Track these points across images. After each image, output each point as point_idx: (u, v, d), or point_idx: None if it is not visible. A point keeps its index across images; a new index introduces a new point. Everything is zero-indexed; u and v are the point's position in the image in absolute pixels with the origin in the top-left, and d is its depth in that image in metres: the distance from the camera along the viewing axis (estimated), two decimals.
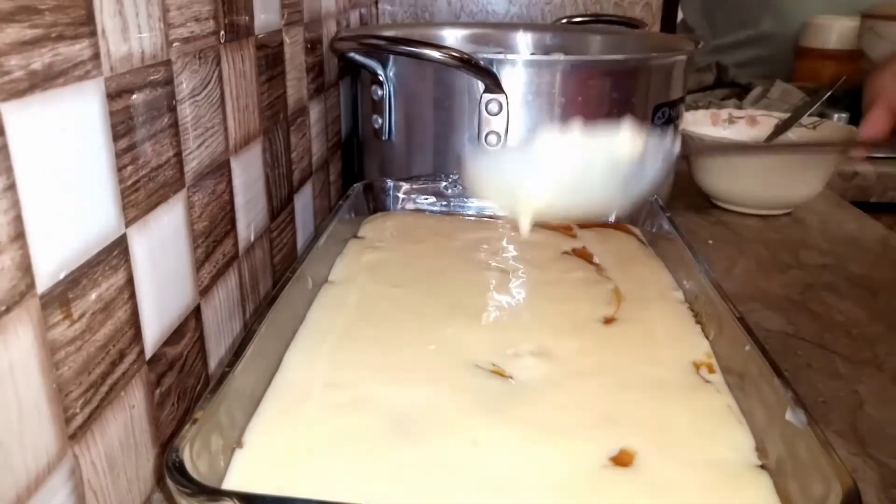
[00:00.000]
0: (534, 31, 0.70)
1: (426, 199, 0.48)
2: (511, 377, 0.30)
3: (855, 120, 0.84)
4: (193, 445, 0.22)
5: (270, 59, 0.41)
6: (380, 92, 0.52)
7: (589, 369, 0.30)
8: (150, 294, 0.27)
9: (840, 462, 0.21)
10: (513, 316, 0.35)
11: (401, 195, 0.48)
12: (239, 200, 0.37)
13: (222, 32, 0.33)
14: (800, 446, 0.23)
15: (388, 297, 0.36)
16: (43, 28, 0.20)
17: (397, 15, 0.87)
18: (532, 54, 0.68)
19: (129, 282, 0.26)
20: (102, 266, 0.24)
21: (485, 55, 0.47)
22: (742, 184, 0.60)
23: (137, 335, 0.27)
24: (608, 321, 0.34)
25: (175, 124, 0.29)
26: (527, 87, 0.48)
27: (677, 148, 0.38)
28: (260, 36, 0.39)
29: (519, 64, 0.48)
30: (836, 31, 1.01)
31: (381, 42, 0.49)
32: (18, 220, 0.20)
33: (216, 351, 0.35)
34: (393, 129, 0.53)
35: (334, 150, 0.58)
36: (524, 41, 0.69)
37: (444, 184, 0.48)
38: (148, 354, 0.28)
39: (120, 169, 0.25)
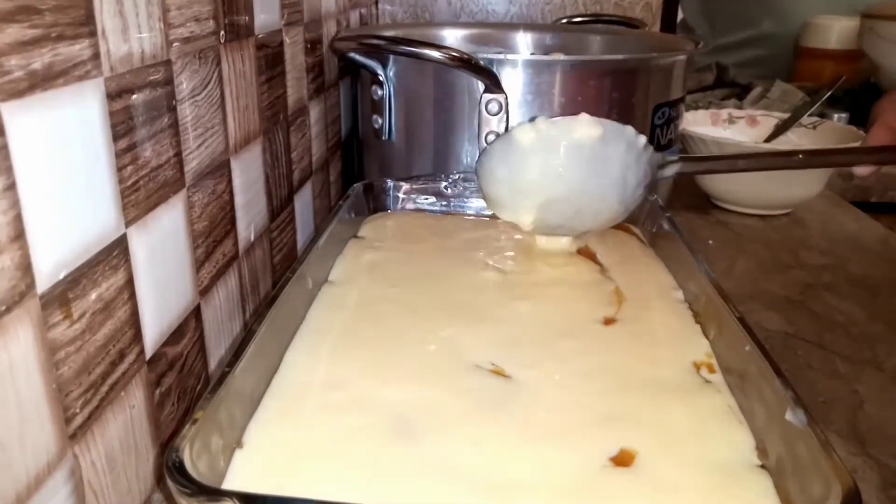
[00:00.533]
0: (534, 31, 0.70)
1: (426, 199, 0.48)
2: (511, 377, 0.30)
3: (854, 120, 0.84)
4: (193, 445, 0.22)
5: (270, 59, 0.41)
6: (380, 92, 0.52)
7: (589, 369, 0.30)
8: (151, 294, 0.27)
9: (840, 462, 0.21)
10: (513, 316, 0.35)
11: (401, 195, 0.48)
12: (239, 200, 0.37)
13: (222, 32, 0.33)
14: (800, 446, 0.23)
15: (387, 296, 0.36)
16: (43, 28, 0.20)
17: (397, 15, 0.87)
18: (532, 54, 0.68)
19: (130, 282, 0.26)
20: (102, 266, 0.24)
21: (485, 55, 0.47)
22: (742, 184, 0.60)
23: (137, 335, 0.27)
24: (608, 322, 0.34)
25: (175, 124, 0.29)
26: (527, 87, 0.48)
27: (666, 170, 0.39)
28: (260, 36, 0.39)
29: (519, 64, 0.48)
30: (836, 32, 1.01)
31: (381, 42, 0.49)
32: (18, 219, 0.20)
33: (216, 351, 0.35)
34: (393, 129, 0.53)
35: (334, 150, 0.58)
36: (524, 41, 0.69)
37: (444, 184, 0.48)
38: (148, 354, 0.28)
39: (120, 169, 0.25)
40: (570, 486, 0.24)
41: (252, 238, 0.39)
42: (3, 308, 0.19)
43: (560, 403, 0.28)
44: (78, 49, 0.22)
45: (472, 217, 0.48)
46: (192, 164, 0.31)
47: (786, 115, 0.68)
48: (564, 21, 0.77)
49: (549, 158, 0.39)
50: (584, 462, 0.25)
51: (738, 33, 1.13)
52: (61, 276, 0.22)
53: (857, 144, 0.58)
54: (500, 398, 0.28)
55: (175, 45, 0.29)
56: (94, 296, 0.24)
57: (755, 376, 0.27)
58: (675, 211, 0.45)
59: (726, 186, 0.62)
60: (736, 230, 0.59)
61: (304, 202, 0.50)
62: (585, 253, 0.42)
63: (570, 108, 0.49)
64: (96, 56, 0.23)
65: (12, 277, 0.20)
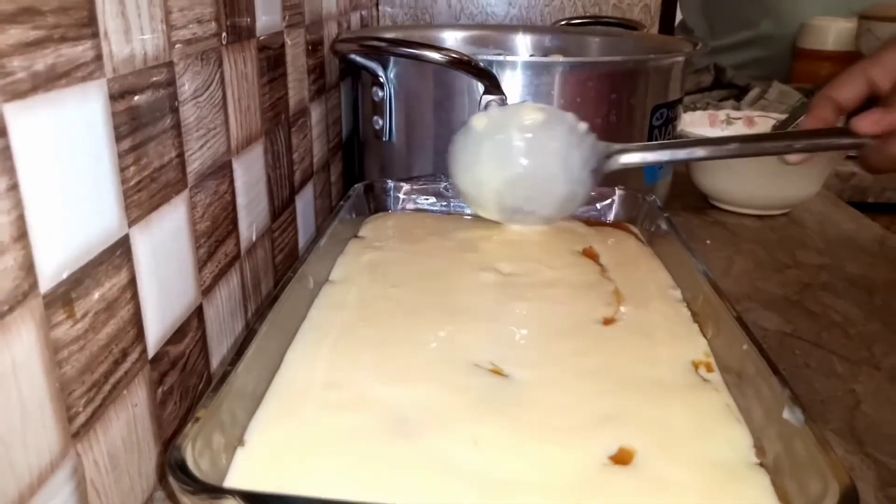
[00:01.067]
0: (533, 32, 0.70)
1: (426, 199, 0.49)
2: (510, 376, 0.30)
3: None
4: (195, 444, 0.22)
5: (272, 60, 0.41)
6: (380, 93, 0.52)
7: (588, 368, 0.30)
8: (153, 294, 0.28)
9: (837, 460, 0.22)
10: (512, 315, 0.36)
11: (401, 195, 0.49)
12: (241, 201, 0.37)
13: (224, 34, 0.34)
14: (797, 445, 0.23)
15: (388, 296, 0.36)
16: (45, 29, 0.20)
17: (398, 17, 0.88)
18: (531, 56, 0.68)
19: (132, 281, 0.26)
20: (105, 266, 0.24)
21: (484, 57, 0.47)
22: (739, 184, 0.61)
23: (140, 334, 0.27)
24: (607, 322, 0.35)
25: (177, 125, 0.29)
26: (526, 89, 0.48)
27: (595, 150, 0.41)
28: (261, 38, 0.39)
29: (518, 66, 0.49)
30: (833, 33, 1.01)
31: (382, 44, 0.49)
32: (21, 220, 0.20)
33: (218, 350, 0.35)
34: (393, 130, 0.53)
35: (335, 150, 0.58)
36: (523, 43, 0.70)
37: (445, 184, 0.48)
38: (150, 353, 0.28)
39: (122, 170, 0.25)
40: (569, 484, 0.24)
41: (254, 238, 0.39)
42: (7, 308, 0.19)
43: (559, 402, 0.28)
44: (80, 50, 0.22)
45: (472, 217, 0.48)
46: (194, 165, 0.31)
47: (783, 116, 0.68)
48: (563, 23, 0.77)
49: (498, 141, 0.42)
50: (584, 461, 0.25)
51: (737, 34, 1.13)
52: (64, 276, 0.22)
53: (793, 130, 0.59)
54: (500, 397, 0.28)
55: (177, 46, 0.29)
56: (96, 295, 0.24)
57: (753, 375, 0.28)
58: (673, 211, 0.45)
59: (724, 187, 0.62)
60: (733, 230, 0.59)
61: (305, 202, 0.50)
62: (589, 254, 0.42)
63: (569, 110, 0.49)
64: (99, 57, 0.23)
65: (15, 277, 0.20)
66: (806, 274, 0.51)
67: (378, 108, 0.53)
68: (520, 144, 0.42)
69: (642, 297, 0.37)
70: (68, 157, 0.22)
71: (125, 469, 0.26)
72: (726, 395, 0.29)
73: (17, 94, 0.19)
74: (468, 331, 0.33)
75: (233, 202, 0.36)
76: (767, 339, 0.41)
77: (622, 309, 0.36)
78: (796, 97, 0.87)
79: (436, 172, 0.50)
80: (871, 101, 0.43)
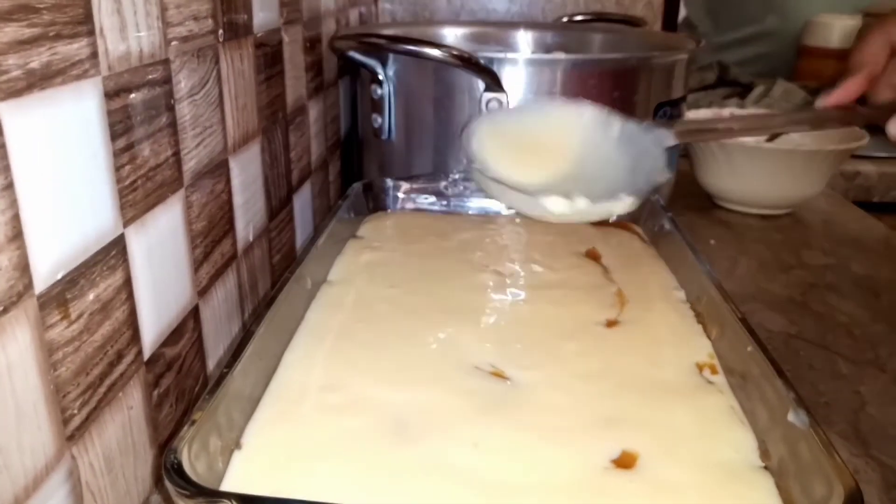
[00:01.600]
0: (534, 29, 0.69)
1: (426, 198, 0.48)
2: (510, 379, 0.29)
3: None
4: (192, 447, 0.22)
5: (269, 57, 0.41)
6: (379, 91, 0.51)
7: (590, 371, 0.30)
8: (149, 294, 0.27)
9: (842, 463, 0.21)
10: (513, 317, 0.35)
11: (400, 195, 0.48)
12: (237, 200, 0.37)
13: (221, 31, 0.33)
14: (802, 447, 0.23)
15: (386, 297, 0.36)
16: (41, 27, 0.20)
17: (397, 13, 0.87)
18: (532, 53, 0.68)
19: (127, 282, 0.26)
20: (100, 266, 0.24)
21: (485, 54, 0.47)
22: (744, 183, 0.60)
23: (135, 336, 0.27)
24: (611, 324, 0.34)
25: (173, 123, 0.29)
26: (527, 86, 0.48)
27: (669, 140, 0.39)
28: (259, 34, 0.39)
29: (519, 63, 0.48)
30: (838, 30, 1.01)
31: (381, 41, 0.49)
32: (16, 219, 0.20)
33: (214, 351, 0.35)
34: (392, 128, 0.52)
35: (333, 149, 0.58)
36: (524, 40, 0.69)
37: (444, 183, 0.48)
38: (146, 355, 0.27)
39: (118, 168, 0.25)
40: (571, 488, 0.23)
41: (251, 238, 0.39)
42: (1, 308, 0.19)
43: (561, 405, 0.28)
44: (76, 48, 0.22)
45: (472, 217, 0.48)
46: (190, 164, 0.31)
47: None
48: (565, 20, 0.77)
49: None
50: (586, 464, 0.24)
51: (741, 30, 1.13)
52: (59, 277, 0.22)
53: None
54: (500, 400, 0.28)
55: (173, 43, 0.28)
56: (91, 296, 0.23)
57: (757, 377, 0.27)
58: (676, 211, 0.44)
59: (728, 186, 0.61)
60: (738, 230, 0.59)
61: (303, 202, 0.49)
62: (592, 255, 0.42)
63: None
64: (94, 55, 0.23)
65: (10, 278, 0.19)
66: (811, 274, 0.51)
67: (377, 105, 0.52)
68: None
69: (645, 298, 0.37)
70: (63, 156, 0.22)
71: (121, 472, 0.26)
72: (730, 397, 0.28)
73: (12, 92, 0.19)
74: (468, 332, 0.33)
75: (229, 201, 0.36)
76: (772, 340, 0.41)
77: (625, 311, 0.35)
78: (801, 95, 0.87)
79: (435, 171, 0.50)
80: None
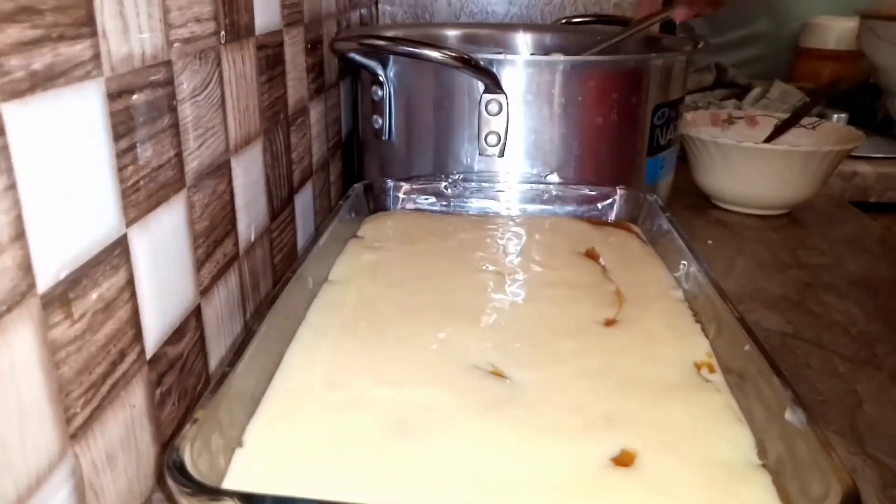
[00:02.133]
0: (533, 31, 0.70)
1: (426, 199, 0.49)
2: (510, 378, 0.30)
3: (854, 120, 0.84)
4: (194, 445, 0.22)
5: (271, 59, 0.41)
6: (380, 92, 0.52)
7: (589, 370, 0.30)
8: (151, 294, 0.28)
9: (839, 461, 0.21)
10: (513, 317, 0.36)
11: (401, 195, 0.48)
12: (239, 200, 0.37)
13: (223, 33, 0.33)
14: (799, 445, 0.23)
15: (387, 297, 0.36)
16: (44, 28, 0.20)
17: (397, 15, 0.87)
18: (532, 54, 0.68)
19: (130, 282, 0.26)
20: (103, 266, 0.24)
21: (485, 55, 0.47)
22: (741, 184, 0.61)
23: (138, 335, 0.27)
24: (609, 323, 0.34)
25: (175, 124, 0.29)
26: (527, 88, 0.48)
27: None
28: (260, 36, 0.39)
29: (519, 64, 0.48)
30: (835, 32, 1.01)
31: (382, 42, 0.49)
32: (19, 219, 0.20)
33: (217, 350, 0.35)
34: (393, 129, 0.53)
35: (334, 150, 0.58)
36: (524, 41, 0.70)
37: (444, 184, 0.48)
38: (149, 354, 0.28)
39: (120, 169, 0.25)
40: (569, 486, 0.24)
41: (252, 238, 0.39)
42: (5, 308, 0.19)
43: (560, 404, 0.28)
44: (79, 49, 0.22)
45: (472, 217, 0.48)
46: (192, 165, 0.31)
47: (785, 116, 0.68)
48: (564, 21, 0.77)
49: None
50: (584, 462, 0.25)
51: (737, 31, 1.13)
52: (62, 276, 0.22)
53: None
54: (500, 399, 0.28)
55: (176, 45, 0.29)
56: (94, 296, 0.24)
57: (755, 376, 0.27)
58: (674, 211, 0.45)
59: (725, 186, 0.62)
60: (735, 230, 0.59)
61: (304, 202, 0.50)
62: (590, 254, 0.42)
63: (571, 109, 0.49)
64: (97, 56, 0.23)
65: (13, 277, 0.20)
66: (808, 274, 0.51)
67: (377, 107, 0.52)
68: None
69: (644, 297, 0.37)
70: (66, 157, 0.22)
71: (123, 470, 0.26)
72: (728, 395, 0.29)
73: (16, 93, 0.19)
74: (468, 332, 0.33)
75: (231, 202, 0.36)
76: (769, 339, 0.41)
77: (624, 310, 0.35)
78: (798, 96, 0.87)
79: (436, 172, 0.50)
80: None
